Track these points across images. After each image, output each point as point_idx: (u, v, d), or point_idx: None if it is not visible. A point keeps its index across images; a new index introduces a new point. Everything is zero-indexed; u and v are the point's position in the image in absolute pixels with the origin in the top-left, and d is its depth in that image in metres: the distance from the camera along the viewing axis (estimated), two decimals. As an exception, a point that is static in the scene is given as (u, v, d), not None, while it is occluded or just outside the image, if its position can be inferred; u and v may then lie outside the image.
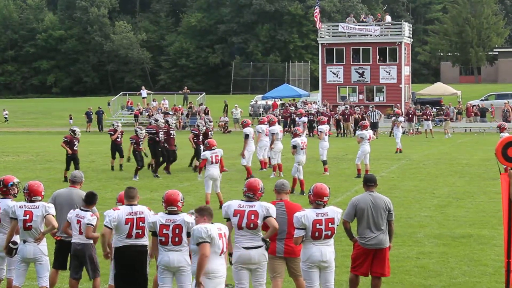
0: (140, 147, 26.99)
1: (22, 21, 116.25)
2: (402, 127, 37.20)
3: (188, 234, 9.97)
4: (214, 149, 20.10)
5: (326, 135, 28.14)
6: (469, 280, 12.69)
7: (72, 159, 26.24)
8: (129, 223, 10.41)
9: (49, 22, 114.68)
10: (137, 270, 10.59)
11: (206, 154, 20.06)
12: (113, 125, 30.21)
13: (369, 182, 11.50)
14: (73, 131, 26.69)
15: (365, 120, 36.10)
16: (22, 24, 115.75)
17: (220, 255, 9.53)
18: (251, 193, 10.49)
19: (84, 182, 25.59)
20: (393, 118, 40.87)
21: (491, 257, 14.28)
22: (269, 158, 27.95)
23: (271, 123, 27.55)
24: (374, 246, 11.26)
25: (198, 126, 28.94)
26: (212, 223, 9.62)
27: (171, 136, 28.16)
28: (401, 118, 38.37)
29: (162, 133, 27.59)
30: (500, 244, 14.85)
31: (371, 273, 11.41)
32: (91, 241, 11.24)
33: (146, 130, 27.71)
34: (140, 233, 10.52)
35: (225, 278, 9.69)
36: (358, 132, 27.57)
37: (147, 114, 63.28)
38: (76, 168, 25.69)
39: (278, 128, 27.47)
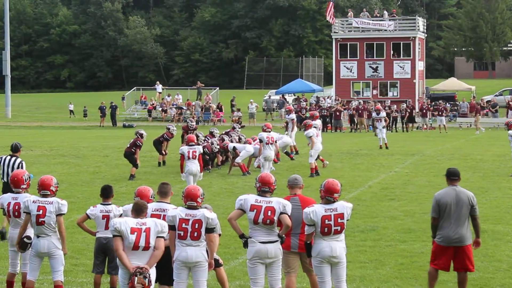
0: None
1: (36, 16, 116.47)
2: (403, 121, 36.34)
3: (207, 230, 9.97)
4: (192, 145, 20.33)
5: (319, 130, 27.40)
6: (483, 276, 12.64)
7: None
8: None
9: (63, 17, 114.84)
10: (160, 265, 10.52)
11: (183, 149, 20.26)
12: (168, 129, 28.20)
13: (453, 176, 11.31)
14: (168, 129, 26.62)
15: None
16: (36, 18, 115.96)
17: (133, 250, 9.42)
18: (266, 187, 10.46)
19: (98, 177, 25.36)
20: (374, 115, 40.19)
21: (505, 253, 14.22)
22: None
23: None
24: (455, 243, 10.98)
25: (232, 136, 27.85)
26: (146, 217, 9.64)
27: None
28: (383, 113, 37.85)
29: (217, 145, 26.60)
30: (515, 240, 14.85)
31: (454, 268, 11.16)
32: None
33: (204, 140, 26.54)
34: None
35: None
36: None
37: (160, 108, 63.53)
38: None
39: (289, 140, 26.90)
